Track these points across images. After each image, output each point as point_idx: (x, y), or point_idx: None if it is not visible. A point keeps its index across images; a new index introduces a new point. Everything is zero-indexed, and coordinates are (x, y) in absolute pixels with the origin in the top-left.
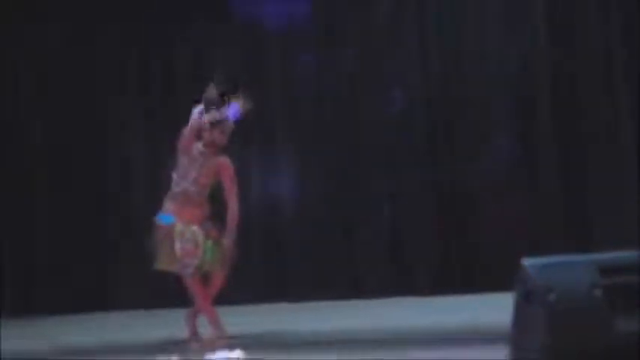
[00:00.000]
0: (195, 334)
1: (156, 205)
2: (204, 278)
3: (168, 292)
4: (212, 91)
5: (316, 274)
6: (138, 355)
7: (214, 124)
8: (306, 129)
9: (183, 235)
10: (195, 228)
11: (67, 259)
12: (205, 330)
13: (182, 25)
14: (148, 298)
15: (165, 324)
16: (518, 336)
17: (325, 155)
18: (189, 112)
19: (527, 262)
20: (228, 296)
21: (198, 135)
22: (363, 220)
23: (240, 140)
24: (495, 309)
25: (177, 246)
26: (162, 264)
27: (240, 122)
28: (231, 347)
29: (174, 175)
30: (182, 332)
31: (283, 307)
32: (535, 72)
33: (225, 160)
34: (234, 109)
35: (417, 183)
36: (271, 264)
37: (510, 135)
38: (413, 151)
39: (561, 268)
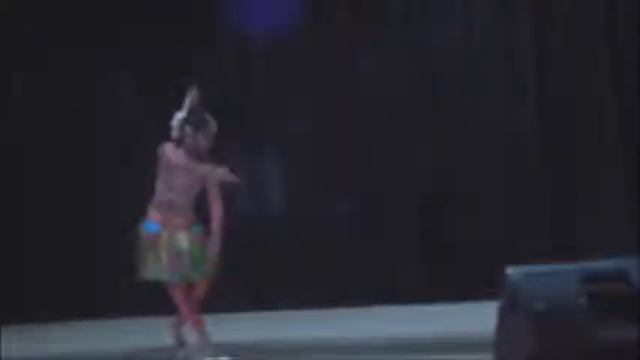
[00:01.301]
0: (181, 342)
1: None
2: (189, 285)
3: (157, 300)
4: (195, 97)
5: None
6: None
7: (197, 129)
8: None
9: (170, 243)
10: (182, 235)
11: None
12: (191, 338)
13: None
14: (137, 305)
15: (152, 332)
16: (502, 344)
17: None
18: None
19: (511, 270)
20: (216, 304)
21: (179, 143)
22: None
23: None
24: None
25: (164, 255)
26: (148, 273)
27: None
28: (216, 355)
29: (159, 185)
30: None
31: (267, 315)
32: None
33: (209, 169)
34: None
35: None
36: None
37: None
38: None
39: (546, 277)
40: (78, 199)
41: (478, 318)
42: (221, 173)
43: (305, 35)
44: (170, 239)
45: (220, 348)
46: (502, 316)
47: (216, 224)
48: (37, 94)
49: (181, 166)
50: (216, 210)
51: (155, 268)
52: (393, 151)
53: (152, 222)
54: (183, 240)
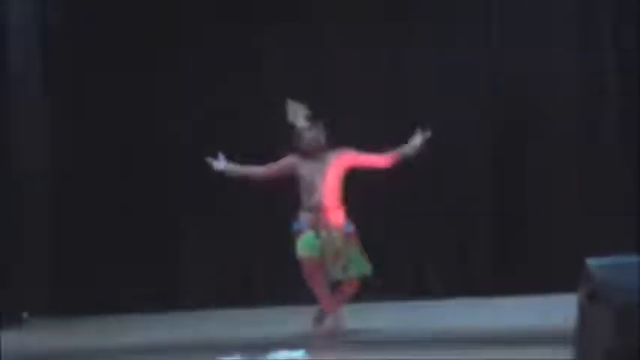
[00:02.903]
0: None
1: None
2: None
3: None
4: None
5: None
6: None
7: (310, 123)
8: None
9: (325, 243)
10: (335, 234)
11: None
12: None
13: None
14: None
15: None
16: (583, 337)
17: None
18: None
19: (591, 261)
20: None
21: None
22: None
23: None
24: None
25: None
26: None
27: None
28: (294, 346)
29: (302, 194)
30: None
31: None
32: None
33: (335, 151)
34: None
35: None
36: None
37: None
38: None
39: (627, 268)
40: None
41: (559, 311)
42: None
43: None
44: (325, 239)
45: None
46: (582, 309)
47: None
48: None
49: (306, 164)
50: (384, 159)
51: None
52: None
53: (300, 221)
54: (337, 239)
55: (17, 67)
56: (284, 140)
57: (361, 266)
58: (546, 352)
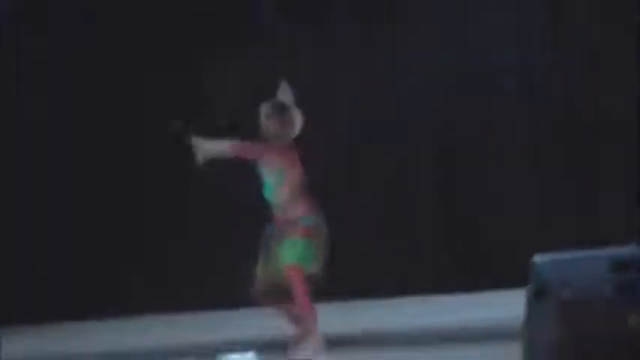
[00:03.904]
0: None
1: None
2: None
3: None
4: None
5: None
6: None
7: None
8: None
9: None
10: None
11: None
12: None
13: None
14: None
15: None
16: (530, 333)
17: None
18: None
19: (538, 258)
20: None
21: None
22: None
23: None
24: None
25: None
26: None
27: None
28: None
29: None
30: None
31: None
32: None
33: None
34: None
35: None
36: None
37: None
38: None
39: (573, 264)
40: None
41: (508, 307)
42: None
43: None
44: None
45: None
46: (529, 304)
47: None
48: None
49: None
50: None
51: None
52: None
53: (310, 216)
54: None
55: None
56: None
57: (289, 255)
58: (495, 348)
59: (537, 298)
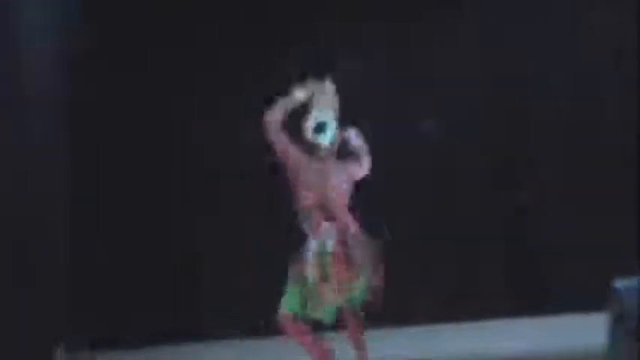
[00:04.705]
0: None
1: None
2: None
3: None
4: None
5: None
6: None
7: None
8: None
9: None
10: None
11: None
12: None
13: None
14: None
15: None
16: (612, 357)
17: None
18: None
19: (619, 283)
20: None
21: None
22: None
23: None
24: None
25: None
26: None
27: None
28: None
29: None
30: None
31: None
32: None
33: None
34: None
35: None
36: None
37: None
38: None
39: None
40: None
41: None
42: None
43: None
44: None
45: None
46: (611, 329)
47: None
48: None
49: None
50: None
51: None
52: None
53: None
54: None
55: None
56: None
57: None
58: None
59: (618, 322)
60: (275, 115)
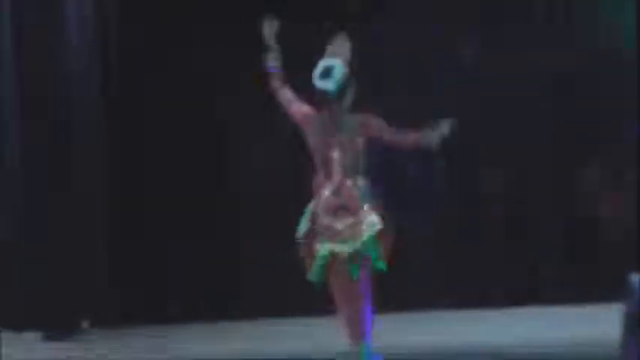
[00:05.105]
0: None
1: None
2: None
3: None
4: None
5: None
6: None
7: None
8: None
9: None
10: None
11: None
12: None
13: None
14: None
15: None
16: (626, 352)
17: None
18: None
19: (634, 276)
20: None
21: None
22: None
23: None
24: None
25: None
26: None
27: None
28: None
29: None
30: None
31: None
32: None
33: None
34: None
35: None
36: None
37: None
38: None
39: None
40: None
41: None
42: None
43: None
44: None
45: None
46: (626, 325)
47: None
48: None
49: None
50: None
51: None
52: None
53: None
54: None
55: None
56: None
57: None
58: None
59: (632, 318)
60: (273, 82)
